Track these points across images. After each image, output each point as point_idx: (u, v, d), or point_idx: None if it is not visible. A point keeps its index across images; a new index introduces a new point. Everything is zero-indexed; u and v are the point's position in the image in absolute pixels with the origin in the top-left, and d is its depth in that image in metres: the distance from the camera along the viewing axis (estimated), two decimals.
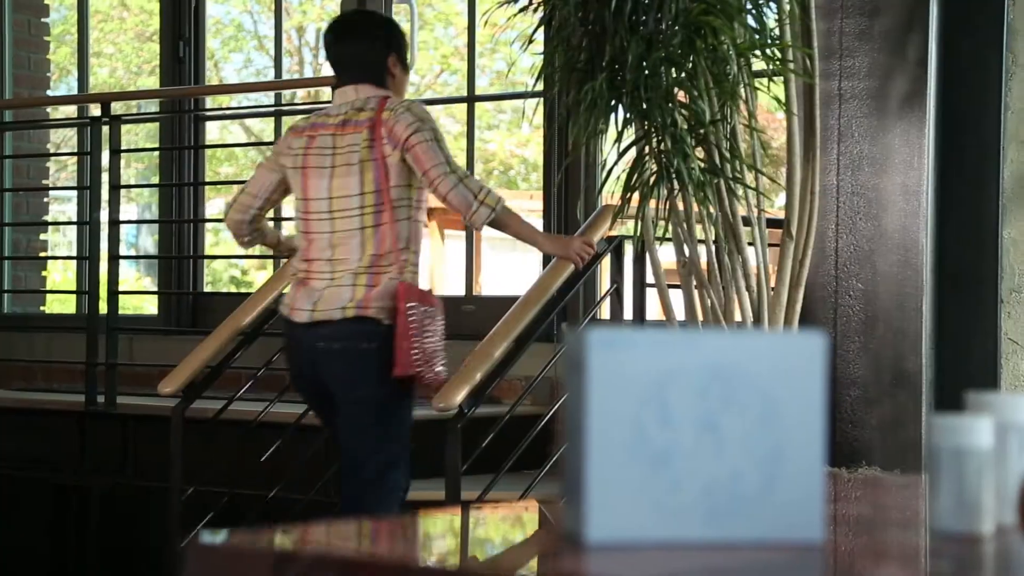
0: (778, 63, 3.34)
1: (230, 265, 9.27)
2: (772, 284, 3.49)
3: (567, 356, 1.33)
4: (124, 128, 5.27)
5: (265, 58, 7.61)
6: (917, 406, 3.82)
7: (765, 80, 3.43)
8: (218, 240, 8.00)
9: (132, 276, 8.03)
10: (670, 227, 3.42)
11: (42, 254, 6.46)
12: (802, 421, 1.28)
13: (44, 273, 6.71)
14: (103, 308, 5.04)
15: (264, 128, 6.74)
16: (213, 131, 6.66)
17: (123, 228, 5.51)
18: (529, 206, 6.82)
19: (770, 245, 3.52)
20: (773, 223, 3.68)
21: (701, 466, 1.27)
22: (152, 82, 6.61)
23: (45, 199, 6.53)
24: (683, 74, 3.23)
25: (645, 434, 1.26)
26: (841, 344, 3.90)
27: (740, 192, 3.37)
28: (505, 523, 1.49)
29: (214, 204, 6.93)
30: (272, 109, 6.00)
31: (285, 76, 6.82)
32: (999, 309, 3.85)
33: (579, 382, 1.29)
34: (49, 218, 6.66)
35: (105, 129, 5.10)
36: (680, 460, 1.27)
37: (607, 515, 1.25)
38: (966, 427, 1.35)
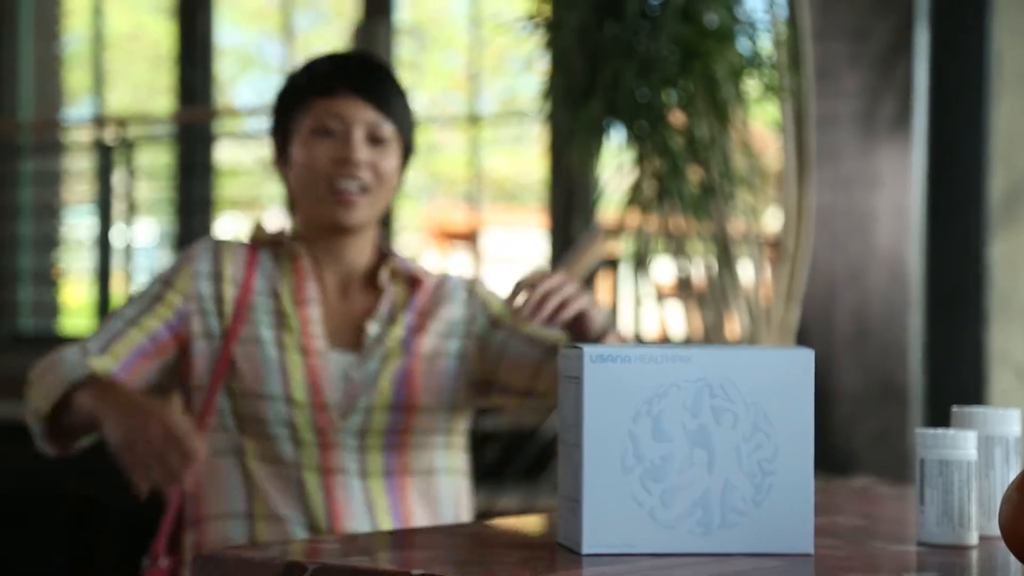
0: (771, 86, 3.42)
1: None
2: (767, 300, 3.55)
3: (561, 371, 1.36)
4: (138, 135, 5.33)
5: (275, 81, 7.70)
6: (907, 419, 3.89)
7: (759, 103, 3.51)
8: None
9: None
10: (667, 245, 3.48)
11: (57, 272, 6.55)
12: (793, 434, 1.31)
13: (58, 292, 6.80)
14: None
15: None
16: (225, 151, 6.76)
17: (139, 234, 5.59)
18: (533, 222, 6.89)
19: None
20: (767, 241, 3.76)
21: (694, 479, 1.29)
22: (165, 104, 6.72)
23: (58, 221, 6.62)
24: (678, 97, 3.31)
25: (638, 448, 1.29)
26: (833, 358, 3.97)
27: (735, 211, 3.44)
28: (509, 535, 1.50)
29: (226, 221, 7.02)
30: None
31: None
32: (986, 325, 3.93)
33: (573, 396, 1.31)
34: (64, 241, 6.74)
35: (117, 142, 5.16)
36: (673, 473, 1.29)
37: (601, 528, 1.28)
38: (951, 440, 1.37)
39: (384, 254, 2.17)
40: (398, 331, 2.09)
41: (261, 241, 2.15)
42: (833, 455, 3.89)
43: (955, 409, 1.48)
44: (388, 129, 2.08)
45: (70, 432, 2.00)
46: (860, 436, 3.94)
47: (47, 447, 2.04)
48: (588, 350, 1.29)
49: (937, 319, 3.97)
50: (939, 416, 3.87)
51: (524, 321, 1.88)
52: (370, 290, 2.13)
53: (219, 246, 2.13)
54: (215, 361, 2.05)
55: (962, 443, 1.38)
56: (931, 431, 1.39)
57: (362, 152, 2.04)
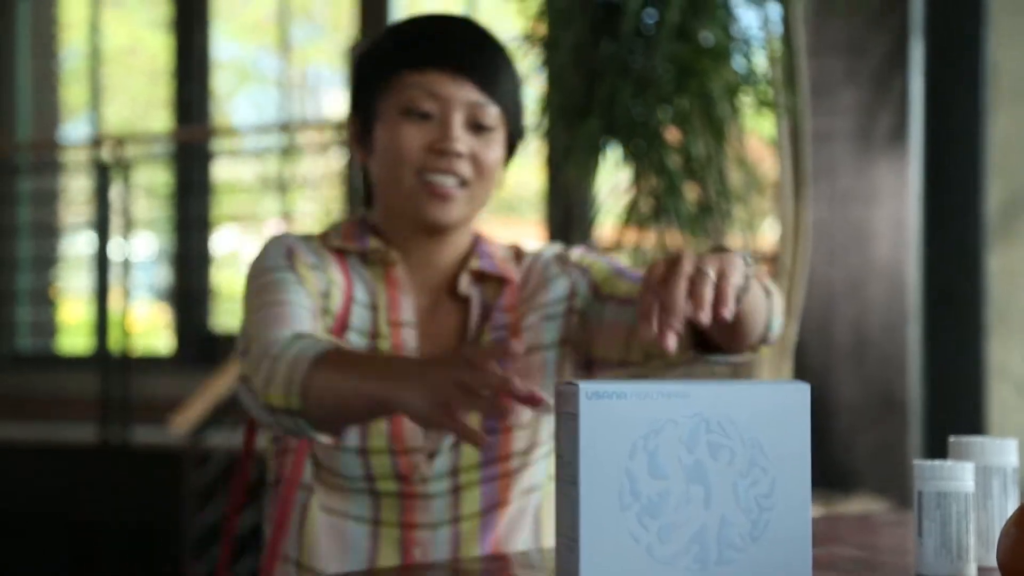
0: (767, 103, 3.43)
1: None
2: None
3: (557, 406, 1.35)
4: (137, 152, 5.34)
5: (272, 94, 7.72)
6: (906, 432, 3.90)
7: (755, 117, 3.52)
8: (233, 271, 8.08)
9: (148, 304, 8.10)
10: None
11: (54, 292, 6.55)
12: (789, 469, 1.31)
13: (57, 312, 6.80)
14: (118, 343, 5.12)
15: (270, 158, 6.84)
16: (222, 166, 6.77)
17: (138, 252, 5.59)
18: (531, 235, 6.90)
19: None
20: (765, 256, 3.77)
21: (691, 515, 1.29)
22: (162, 118, 6.73)
23: (56, 240, 6.62)
24: (674, 115, 3.32)
25: (635, 484, 1.28)
26: (832, 372, 3.98)
27: (732, 228, 3.45)
28: (506, 573, 1.48)
29: (223, 236, 7.02)
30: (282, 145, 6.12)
31: (291, 114, 6.93)
32: (985, 337, 3.93)
33: (570, 433, 1.30)
34: (62, 259, 6.75)
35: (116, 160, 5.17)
36: (670, 510, 1.29)
37: (598, 565, 1.27)
38: (948, 471, 1.37)
39: (469, 252, 1.81)
40: (488, 337, 1.77)
41: (345, 248, 1.78)
42: (832, 469, 3.90)
43: (952, 439, 1.48)
44: (493, 114, 1.72)
45: (330, 416, 1.56)
46: (859, 450, 3.95)
47: (321, 435, 1.61)
48: (584, 387, 1.29)
49: (936, 332, 3.97)
50: (938, 429, 3.88)
51: (657, 337, 1.37)
52: (459, 301, 1.80)
53: (310, 245, 1.76)
54: None
55: (959, 475, 1.38)
56: (928, 463, 1.38)
57: (461, 141, 1.70)
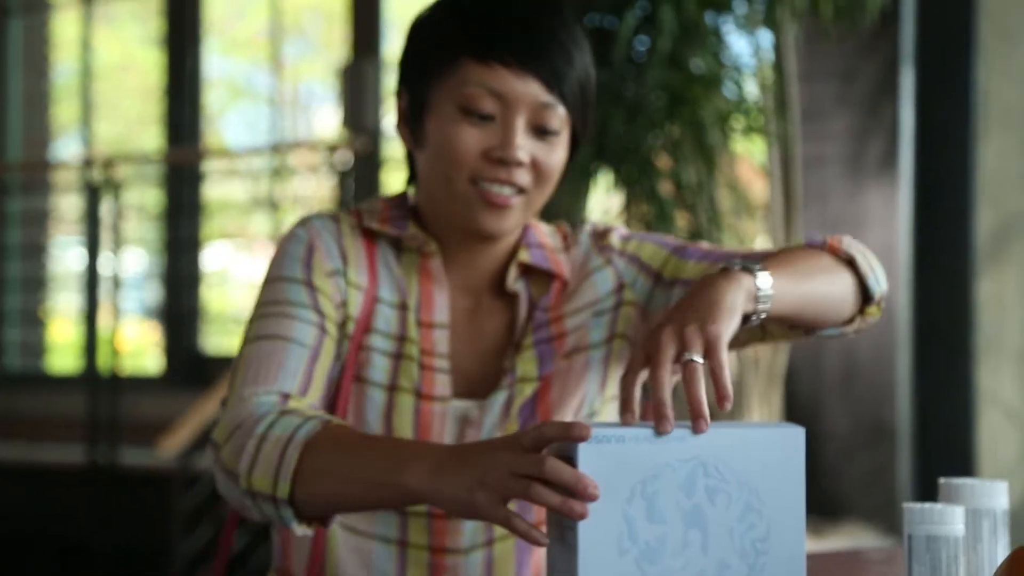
0: (758, 130, 3.44)
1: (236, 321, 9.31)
2: None
3: (552, 451, 1.34)
4: (128, 173, 5.35)
5: (264, 111, 7.71)
6: (896, 459, 3.91)
7: (746, 141, 3.54)
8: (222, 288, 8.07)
9: (137, 323, 8.08)
10: None
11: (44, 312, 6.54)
12: (785, 512, 1.32)
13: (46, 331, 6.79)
14: (107, 363, 5.11)
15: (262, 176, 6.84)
16: (213, 185, 6.76)
17: (127, 272, 5.59)
18: None
19: None
20: None
21: (689, 560, 1.29)
22: (154, 135, 6.72)
23: (45, 260, 6.61)
24: (665, 141, 3.33)
25: (633, 529, 1.28)
26: (822, 399, 3.98)
27: None
28: None
29: (214, 254, 7.01)
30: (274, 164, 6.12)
31: (283, 131, 6.94)
32: (975, 364, 3.95)
33: None
34: (51, 279, 6.74)
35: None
36: (668, 555, 1.29)
37: None
38: (938, 515, 1.36)
39: (517, 241, 1.63)
40: (529, 343, 1.61)
41: (380, 232, 1.62)
42: (822, 497, 3.90)
43: (942, 481, 1.48)
44: (560, 115, 1.54)
45: (323, 504, 1.42)
46: (850, 477, 3.96)
47: (302, 527, 1.44)
48: None
49: (925, 359, 3.98)
50: (928, 457, 3.89)
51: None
52: (504, 299, 1.64)
53: (339, 231, 1.60)
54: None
55: (949, 519, 1.38)
56: (918, 507, 1.39)
57: (523, 149, 1.52)
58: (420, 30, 1.58)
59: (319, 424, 1.41)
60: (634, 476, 1.28)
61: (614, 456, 1.28)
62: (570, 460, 1.29)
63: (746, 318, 1.39)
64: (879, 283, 1.56)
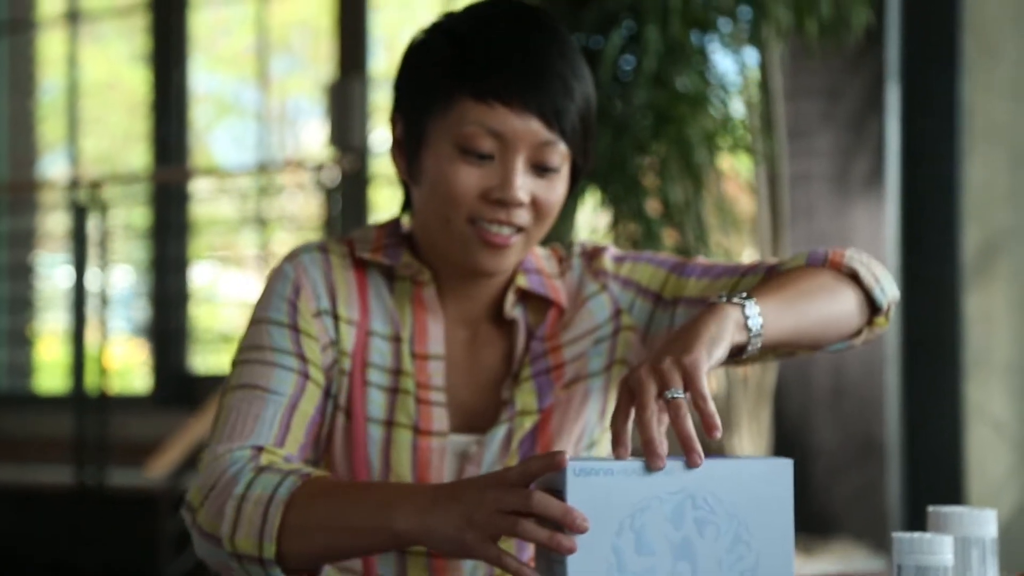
0: (744, 148, 3.45)
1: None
2: None
3: (539, 483, 1.34)
4: (114, 193, 5.34)
5: (251, 127, 7.71)
6: (885, 476, 3.91)
7: (732, 159, 3.54)
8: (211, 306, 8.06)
9: (125, 342, 8.07)
10: None
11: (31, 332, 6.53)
12: (773, 543, 1.32)
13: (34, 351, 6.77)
14: (94, 383, 5.10)
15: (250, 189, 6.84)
16: (201, 202, 6.76)
17: (115, 291, 5.59)
18: None
19: None
20: None
21: None
22: (141, 151, 6.72)
23: (32, 280, 6.60)
24: (651, 160, 3.33)
25: (622, 562, 1.29)
26: (810, 416, 3.99)
27: None
28: None
29: (202, 271, 7.00)
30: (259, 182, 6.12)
31: (270, 146, 6.94)
32: (963, 380, 3.95)
33: None
34: (38, 298, 6.72)
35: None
36: None
37: None
38: (927, 545, 1.35)
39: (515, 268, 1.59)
40: (527, 375, 1.59)
41: (372, 262, 1.58)
42: (812, 514, 3.90)
43: (931, 509, 1.48)
44: (560, 152, 1.50)
45: (311, 558, 1.39)
46: (839, 493, 3.96)
47: None
48: (571, 464, 1.29)
49: (914, 375, 3.99)
50: (917, 472, 3.89)
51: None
52: (501, 327, 1.61)
53: (328, 265, 1.57)
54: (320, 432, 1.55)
55: (938, 548, 1.37)
56: (907, 536, 1.38)
57: (523, 189, 1.48)
58: (417, 58, 1.54)
59: (299, 479, 1.39)
60: (623, 509, 1.29)
61: (603, 489, 1.28)
62: (559, 494, 1.29)
63: (741, 349, 1.38)
64: (885, 293, 1.54)
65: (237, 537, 1.38)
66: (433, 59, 1.51)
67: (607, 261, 1.63)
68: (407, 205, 1.62)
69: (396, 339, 1.56)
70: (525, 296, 1.61)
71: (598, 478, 1.28)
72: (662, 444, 1.26)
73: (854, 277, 1.52)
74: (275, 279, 1.57)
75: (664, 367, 1.28)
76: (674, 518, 1.30)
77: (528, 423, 1.58)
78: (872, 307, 1.53)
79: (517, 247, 1.51)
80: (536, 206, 1.50)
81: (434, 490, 1.31)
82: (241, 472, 1.41)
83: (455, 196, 1.49)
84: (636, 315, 1.62)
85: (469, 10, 1.55)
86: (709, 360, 1.30)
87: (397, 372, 1.55)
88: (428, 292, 1.58)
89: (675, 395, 1.28)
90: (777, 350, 1.53)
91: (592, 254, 1.64)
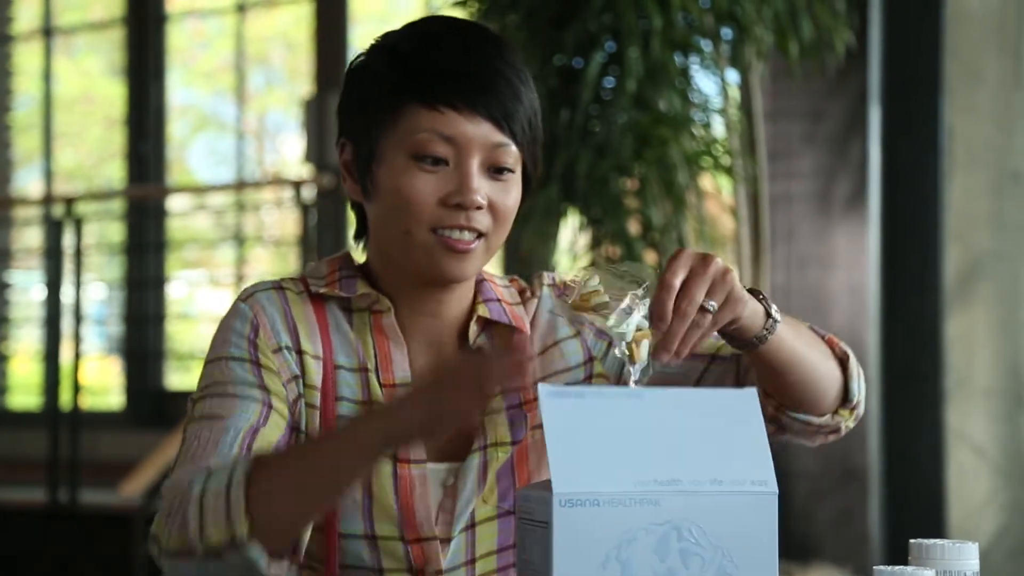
0: (725, 170, 3.45)
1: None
2: None
3: (522, 513, 1.35)
4: (90, 210, 5.32)
5: (229, 142, 7.69)
6: (866, 500, 3.91)
7: (714, 181, 3.54)
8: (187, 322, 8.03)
9: (99, 360, 8.03)
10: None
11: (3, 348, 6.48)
12: (758, 573, 1.33)
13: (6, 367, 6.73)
14: (68, 400, 5.07)
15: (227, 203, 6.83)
16: (178, 218, 6.73)
17: (90, 305, 5.55)
18: None
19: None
20: None
21: None
22: (116, 166, 6.68)
23: (5, 297, 6.56)
24: (631, 182, 3.33)
25: None
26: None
27: None
28: None
29: (178, 287, 6.97)
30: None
31: (248, 160, 6.92)
32: (944, 404, 3.95)
33: (540, 542, 1.30)
34: (11, 315, 6.68)
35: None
36: None
37: None
38: None
39: (475, 294, 1.60)
40: (499, 405, 1.58)
41: (328, 296, 1.57)
42: (792, 539, 3.89)
43: (913, 543, 1.48)
44: (513, 153, 1.50)
45: (287, 522, 1.38)
46: (819, 518, 3.95)
47: (275, 564, 1.37)
48: (557, 494, 1.28)
49: (895, 399, 3.99)
50: (897, 497, 3.89)
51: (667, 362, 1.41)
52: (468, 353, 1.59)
53: (285, 302, 1.55)
54: None
55: None
56: (888, 569, 1.38)
57: (480, 192, 1.49)
58: (359, 78, 1.54)
59: (250, 460, 1.38)
60: (609, 540, 1.29)
61: (589, 520, 1.28)
62: (545, 525, 1.29)
63: (748, 342, 1.48)
64: (860, 390, 1.61)
65: (206, 533, 1.35)
66: (377, 75, 1.51)
67: None
68: (361, 231, 1.61)
69: (363, 370, 1.55)
70: (488, 324, 1.60)
71: (584, 509, 1.28)
72: (686, 347, 1.40)
73: (843, 361, 1.59)
74: (231, 318, 1.54)
75: (715, 281, 1.40)
76: (659, 549, 1.30)
77: (502, 455, 1.57)
78: (844, 397, 1.60)
79: (478, 253, 1.52)
80: (493, 210, 1.50)
81: (390, 402, 1.37)
82: (194, 482, 1.39)
83: (414, 205, 1.49)
84: (608, 365, 1.62)
85: (407, 27, 1.56)
86: (740, 304, 1.43)
87: (368, 403, 1.54)
88: (387, 320, 1.56)
89: (712, 310, 1.41)
90: (766, 369, 1.55)
91: (563, 290, 1.59)
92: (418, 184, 1.48)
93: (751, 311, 1.45)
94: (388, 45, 1.53)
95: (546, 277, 1.66)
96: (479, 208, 1.49)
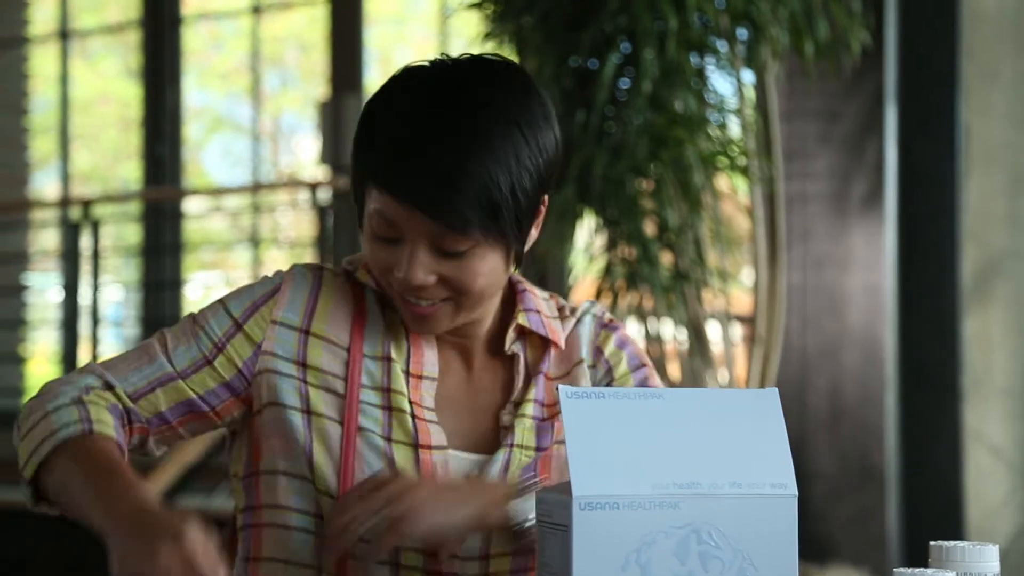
0: (741, 171, 3.44)
1: None
2: (740, 383, 3.55)
3: (541, 515, 1.35)
4: (106, 212, 5.33)
5: (245, 143, 7.71)
6: (883, 500, 3.90)
7: (729, 181, 3.54)
8: None
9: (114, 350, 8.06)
10: (638, 329, 3.50)
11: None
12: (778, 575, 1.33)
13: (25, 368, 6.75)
14: None
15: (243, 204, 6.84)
16: (194, 219, 6.74)
17: (107, 306, 5.56)
18: None
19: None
20: (740, 318, 3.77)
21: None
22: (133, 167, 6.70)
23: (24, 299, 6.58)
24: (647, 183, 3.33)
25: None
26: (808, 439, 3.98)
27: (707, 295, 3.45)
28: None
29: (193, 288, 6.99)
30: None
31: (264, 162, 6.93)
32: (961, 402, 3.95)
33: (559, 546, 1.31)
34: (29, 317, 6.70)
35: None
36: None
37: None
38: None
39: (515, 304, 1.62)
40: (528, 412, 1.59)
41: (367, 284, 1.61)
42: (809, 539, 3.89)
43: (933, 544, 1.47)
44: (464, 241, 1.49)
45: (56, 494, 1.50)
46: (837, 518, 3.94)
47: (40, 509, 1.53)
48: (577, 497, 1.29)
49: (912, 398, 3.98)
50: (915, 497, 3.88)
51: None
52: (500, 359, 1.62)
53: (319, 284, 1.60)
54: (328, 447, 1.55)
55: None
56: (909, 571, 1.37)
57: (423, 272, 1.50)
58: (360, 128, 1.55)
59: (82, 431, 1.48)
60: (629, 544, 1.29)
61: (609, 523, 1.28)
62: (565, 528, 1.29)
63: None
64: None
65: (20, 444, 1.51)
66: (362, 135, 1.54)
67: (609, 345, 1.66)
68: None
69: (387, 359, 1.58)
70: (523, 333, 1.62)
71: (604, 512, 1.29)
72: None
73: None
74: (262, 280, 1.62)
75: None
76: (679, 552, 1.30)
77: (526, 458, 1.58)
78: None
79: (446, 314, 1.53)
80: (450, 284, 1.51)
81: (145, 515, 1.37)
82: (68, 392, 1.52)
83: (375, 270, 1.55)
84: None
85: (411, 79, 1.54)
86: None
87: (389, 391, 1.56)
88: None
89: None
90: None
91: (606, 326, 1.66)
92: (376, 254, 1.52)
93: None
94: (385, 93, 1.54)
95: (598, 308, 1.68)
96: (423, 287, 1.50)
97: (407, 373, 1.57)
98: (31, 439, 1.49)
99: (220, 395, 1.56)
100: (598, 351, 1.65)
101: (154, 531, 1.32)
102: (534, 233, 1.55)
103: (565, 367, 1.63)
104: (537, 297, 1.64)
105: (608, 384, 1.64)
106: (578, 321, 1.65)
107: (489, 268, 1.51)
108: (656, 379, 1.68)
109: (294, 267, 1.62)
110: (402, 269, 1.50)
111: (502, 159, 1.48)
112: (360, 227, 1.57)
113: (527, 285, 1.65)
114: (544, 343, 1.62)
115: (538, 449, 1.59)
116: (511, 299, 1.62)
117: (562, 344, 1.63)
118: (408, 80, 1.54)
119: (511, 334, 1.60)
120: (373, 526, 1.42)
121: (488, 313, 1.59)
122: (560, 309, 1.66)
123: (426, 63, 1.55)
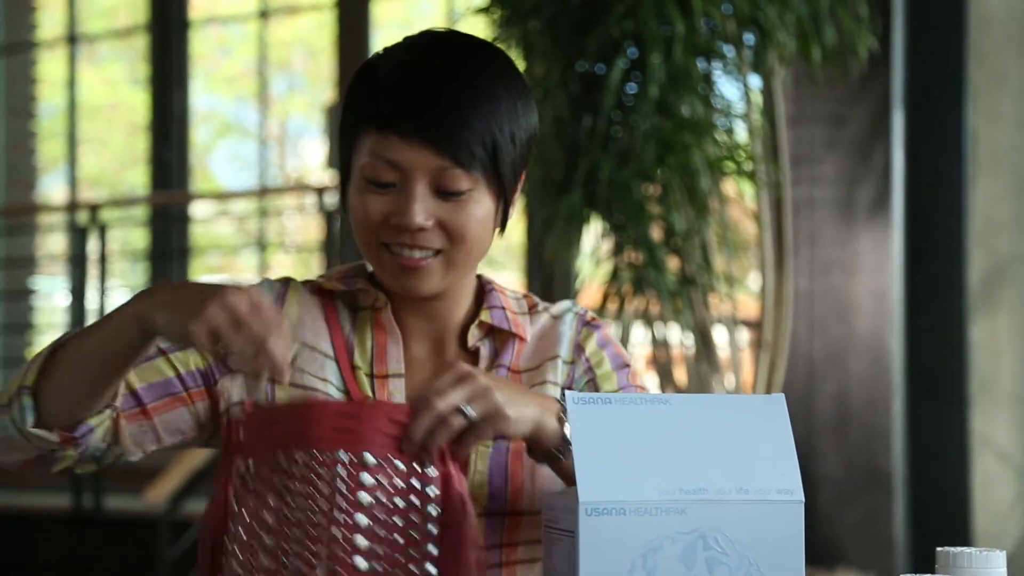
0: (748, 175, 3.44)
1: None
2: (747, 388, 3.55)
3: (547, 521, 1.36)
4: (113, 216, 5.34)
5: (252, 147, 7.71)
6: (891, 505, 3.90)
7: (736, 186, 3.54)
8: None
9: None
10: (645, 333, 3.50)
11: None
12: None
13: None
14: None
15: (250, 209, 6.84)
16: (201, 222, 6.75)
17: (113, 305, 5.56)
18: None
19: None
20: (747, 323, 3.77)
21: None
22: (140, 172, 6.71)
23: (31, 303, 6.59)
24: (654, 188, 3.33)
25: None
26: (815, 444, 3.97)
27: (714, 300, 3.45)
28: None
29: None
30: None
31: (270, 166, 6.94)
32: (969, 407, 3.94)
33: (566, 551, 1.31)
34: (37, 321, 6.71)
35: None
36: None
37: None
38: None
39: (481, 300, 1.67)
40: None
41: (335, 291, 1.65)
42: (816, 544, 3.88)
43: (940, 551, 1.47)
44: (461, 177, 1.53)
45: (67, 388, 1.48)
46: (844, 523, 3.94)
47: (46, 435, 1.49)
48: (583, 503, 1.29)
49: (919, 404, 3.98)
50: (922, 502, 3.88)
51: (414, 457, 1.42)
52: (468, 355, 1.65)
53: (284, 297, 1.63)
54: None
55: None
56: None
57: (423, 214, 1.53)
58: (344, 99, 1.61)
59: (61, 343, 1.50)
60: (635, 549, 1.29)
61: (615, 529, 1.29)
62: (571, 534, 1.29)
63: (546, 455, 1.48)
64: None
65: (7, 388, 1.50)
66: (350, 96, 1.59)
67: (591, 343, 1.67)
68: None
69: (350, 366, 1.61)
70: (491, 330, 1.66)
71: (611, 518, 1.29)
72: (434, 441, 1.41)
73: None
74: (261, 283, 1.66)
75: (475, 393, 1.44)
76: (686, 558, 1.31)
77: (485, 448, 1.59)
78: None
79: (435, 269, 1.57)
80: (446, 229, 1.55)
81: (181, 286, 1.43)
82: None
83: (364, 224, 1.56)
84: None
85: (401, 43, 1.60)
86: (505, 425, 1.44)
87: (347, 393, 1.59)
88: (385, 315, 1.63)
89: (469, 415, 1.42)
90: (568, 482, 1.55)
91: (588, 324, 1.68)
92: (368, 204, 1.54)
93: (538, 430, 1.46)
94: (370, 61, 1.59)
95: (580, 308, 1.70)
96: (421, 230, 1.53)
97: (371, 376, 1.60)
98: (17, 373, 1.51)
99: (196, 378, 1.59)
100: (579, 348, 1.67)
101: (208, 285, 1.39)
102: (516, 205, 1.61)
103: (536, 360, 1.65)
104: (506, 295, 1.68)
105: (590, 381, 1.66)
106: (558, 318, 1.68)
107: (483, 214, 1.56)
108: (639, 378, 1.69)
109: (262, 282, 1.66)
110: (400, 213, 1.53)
111: (505, 107, 1.54)
112: (343, 201, 1.61)
113: (496, 285, 1.69)
114: (511, 338, 1.65)
115: (496, 439, 1.56)
116: (480, 298, 1.67)
117: (527, 338, 1.66)
118: (406, 42, 1.60)
119: (474, 330, 1.64)
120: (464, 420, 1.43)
121: (461, 300, 1.64)
122: (532, 306, 1.69)
123: (417, 33, 1.60)
